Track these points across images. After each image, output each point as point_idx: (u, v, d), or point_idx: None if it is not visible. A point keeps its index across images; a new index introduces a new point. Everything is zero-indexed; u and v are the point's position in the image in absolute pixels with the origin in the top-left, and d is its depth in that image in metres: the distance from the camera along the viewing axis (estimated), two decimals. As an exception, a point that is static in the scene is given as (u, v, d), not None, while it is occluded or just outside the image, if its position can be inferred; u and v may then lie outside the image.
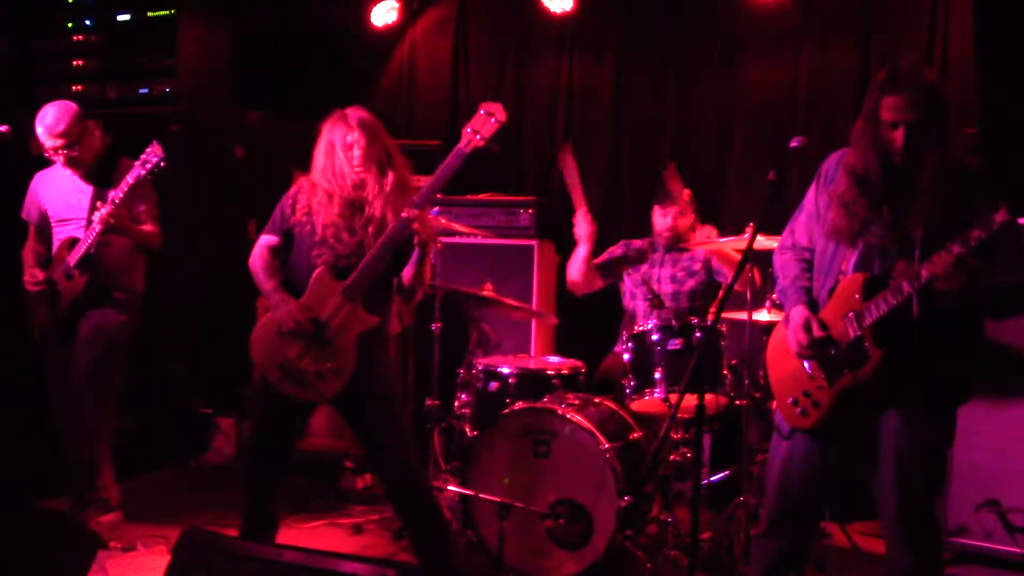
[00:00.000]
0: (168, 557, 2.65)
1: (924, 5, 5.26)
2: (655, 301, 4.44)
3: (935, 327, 2.92)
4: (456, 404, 4.70)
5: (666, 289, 4.78)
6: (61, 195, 4.52)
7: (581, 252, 4.84)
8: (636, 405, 4.29)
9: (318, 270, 3.48)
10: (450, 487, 4.08)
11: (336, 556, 2.51)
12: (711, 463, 4.60)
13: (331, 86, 6.42)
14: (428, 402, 4.78)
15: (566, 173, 4.87)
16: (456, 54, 6.45)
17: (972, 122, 4.69)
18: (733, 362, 4.26)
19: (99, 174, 4.46)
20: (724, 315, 4.27)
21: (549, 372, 4.50)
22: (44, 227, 4.59)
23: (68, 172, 4.50)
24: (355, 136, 3.51)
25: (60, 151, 4.39)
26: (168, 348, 5.89)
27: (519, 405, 4.13)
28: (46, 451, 4.69)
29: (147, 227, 4.49)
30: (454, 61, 6.45)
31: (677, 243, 4.87)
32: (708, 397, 3.90)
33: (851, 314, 2.98)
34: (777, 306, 4.20)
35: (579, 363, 4.64)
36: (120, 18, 6.10)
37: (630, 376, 4.27)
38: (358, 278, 3.44)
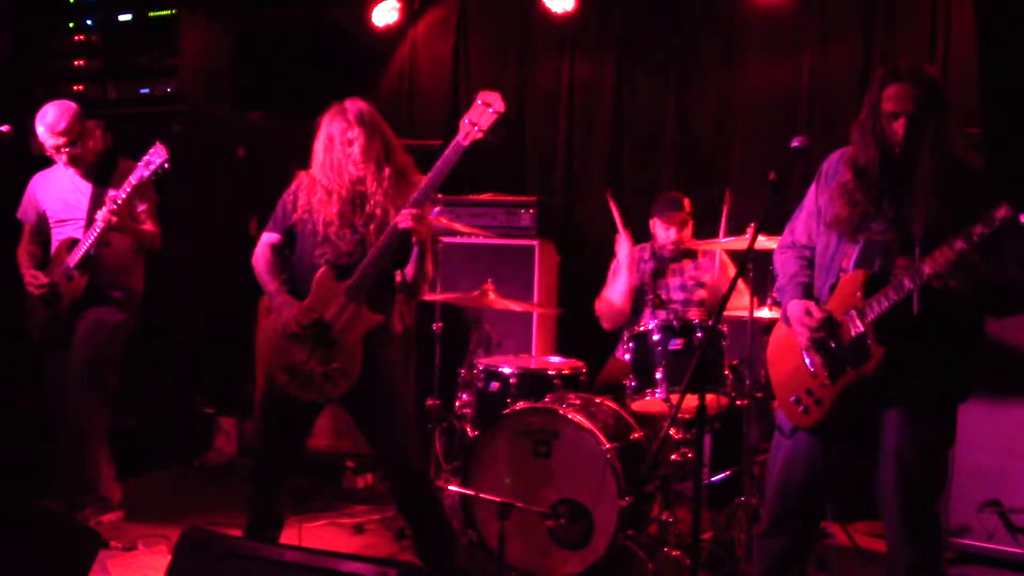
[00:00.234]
0: (169, 557, 2.65)
1: (925, 5, 5.25)
2: (656, 301, 4.44)
3: (936, 325, 2.92)
4: (457, 404, 4.70)
5: (676, 298, 4.78)
6: (60, 195, 4.52)
7: (623, 279, 4.79)
8: (637, 405, 4.29)
9: (321, 270, 3.47)
10: (451, 487, 4.08)
11: (337, 556, 2.51)
12: (712, 463, 4.60)
13: (332, 86, 6.40)
14: (429, 402, 4.78)
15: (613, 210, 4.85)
16: (457, 54, 6.45)
17: (974, 121, 4.69)
18: (734, 362, 4.26)
19: (99, 174, 4.46)
20: (725, 315, 4.26)
21: (550, 372, 4.50)
22: (41, 229, 4.58)
23: (67, 172, 4.50)
24: (354, 132, 3.48)
25: (61, 150, 4.39)
26: (170, 347, 5.89)
27: (520, 405, 4.12)
28: (46, 452, 4.70)
29: (147, 227, 4.50)
30: (455, 61, 6.45)
31: (680, 252, 4.86)
32: (709, 397, 3.90)
33: (853, 311, 2.99)
34: (778, 303, 4.19)
35: (580, 363, 4.64)
36: (121, 18, 6.10)
37: (631, 376, 4.27)
38: (360, 277, 3.43)
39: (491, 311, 4.90)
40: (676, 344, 4.16)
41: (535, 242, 5.58)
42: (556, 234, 5.79)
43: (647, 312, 4.75)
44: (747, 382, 4.17)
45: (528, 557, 3.97)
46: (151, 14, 6.02)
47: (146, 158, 4.15)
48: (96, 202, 4.32)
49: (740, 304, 4.32)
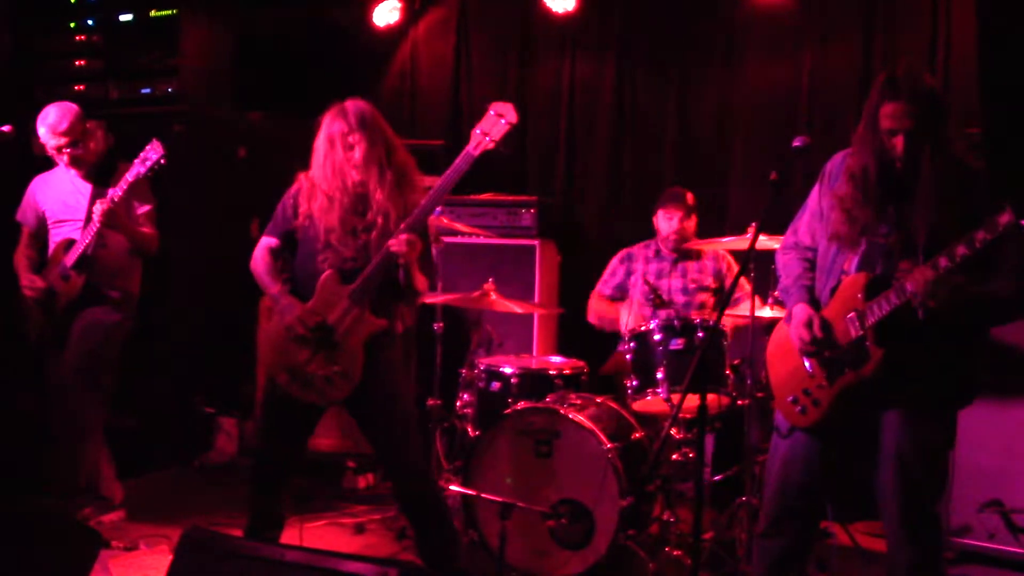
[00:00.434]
0: (170, 556, 2.66)
1: (926, 5, 5.25)
2: (657, 300, 4.43)
3: (937, 328, 2.92)
4: (458, 404, 4.70)
5: (677, 300, 4.77)
6: (59, 196, 4.52)
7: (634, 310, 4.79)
8: (638, 405, 4.29)
9: (325, 273, 3.47)
10: (452, 487, 4.08)
11: (338, 556, 2.52)
12: (713, 463, 4.60)
13: (333, 86, 6.39)
14: (430, 402, 4.78)
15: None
16: (458, 54, 6.45)
17: (974, 121, 4.69)
18: (735, 362, 4.26)
19: (99, 175, 4.45)
20: (726, 315, 4.26)
21: (551, 372, 4.50)
22: (40, 232, 4.57)
23: (68, 174, 4.50)
24: (355, 136, 3.46)
25: (63, 150, 4.39)
26: (171, 347, 5.89)
27: (521, 405, 4.12)
28: (45, 451, 4.69)
29: (146, 229, 4.48)
30: (456, 61, 6.45)
31: (683, 246, 4.85)
32: (710, 397, 3.90)
33: (853, 314, 2.99)
34: (779, 303, 4.19)
35: (581, 363, 4.64)
36: (122, 18, 6.10)
37: (632, 376, 4.27)
38: (363, 283, 3.43)
39: (492, 311, 4.90)
40: (677, 344, 4.16)
41: (536, 242, 5.58)
42: (557, 234, 5.80)
43: (648, 312, 4.75)
44: (748, 382, 4.17)
45: (529, 557, 3.97)
46: (152, 14, 6.02)
47: (142, 155, 4.15)
48: (95, 203, 4.31)
49: (742, 309, 4.31)
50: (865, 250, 3.03)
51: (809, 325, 3.05)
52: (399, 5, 6.38)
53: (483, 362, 4.60)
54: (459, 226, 4.91)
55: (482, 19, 6.42)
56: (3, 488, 4.38)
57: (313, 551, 2.60)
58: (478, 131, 3.48)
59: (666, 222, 4.86)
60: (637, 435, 4.17)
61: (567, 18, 6.02)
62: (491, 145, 3.47)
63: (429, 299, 4.62)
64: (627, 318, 4.68)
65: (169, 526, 4.42)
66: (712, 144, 5.84)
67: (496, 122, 3.47)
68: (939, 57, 5.19)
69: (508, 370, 4.46)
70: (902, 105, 2.90)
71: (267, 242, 3.64)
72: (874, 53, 5.38)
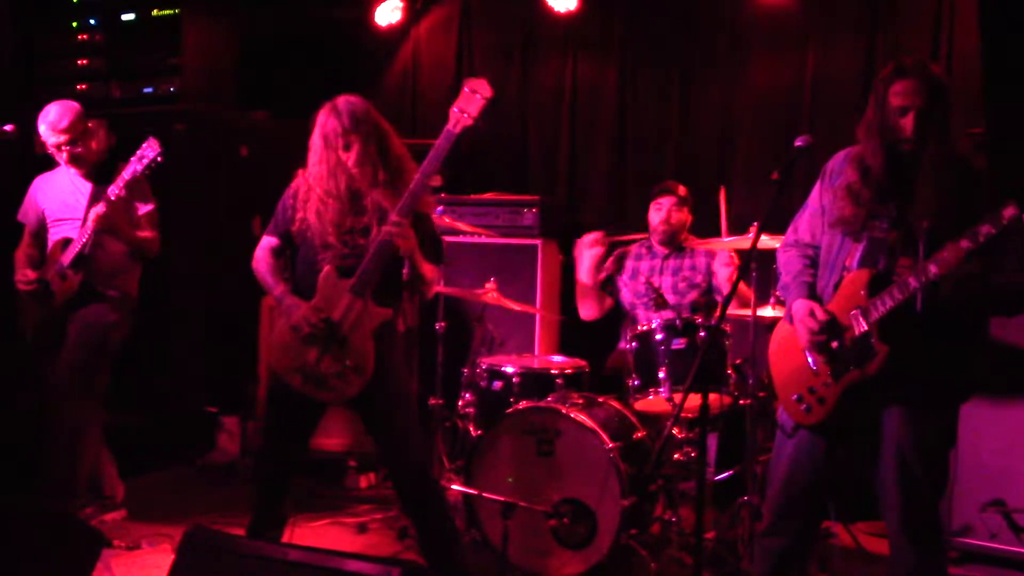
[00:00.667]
0: (173, 556, 2.66)
1: (929, 4, 5.25)
2: (659, 300, 4.43)
3: (939, 325, 2.92)
4: (460, 403, 4.70)
5: (668, 300, 4.76)
6: (59, 195, 4.52)
7: (585, 296, 4.86)
8: (640, 404, 4.29)
9: (325, 270, 3.47)
10: (454, 486, 4.08)
11: (340, 555, 2.52)
12: (715, 462, 4.59)
13: (335, 85, 6.38)
14: (432, 401, 4.78)
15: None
16: (460, 53, 6.45)
17: (977, 120, 4.68)
18: (737, 361, 4.26)
19: (100, 175, 4.45)
20: (728, 314, 4.25)
21: (553, 371, 4.50)
22: (41, 231, 4.57)
23: (68, 173, 4.49)
24: (349, 136, 3.45)
25: (63, 148, 4.39)
26: (173, 346, 5.90)
27: (523, 404, 4.12)
28: (44, 451, 4.69)
29: (145, 233, 4.47)
30: (458, 60, 6.46)
31: (675, 241, 4.84)
32: (712, 396, 3.90)
33: (856, 310, 2.99)
34: (781, 302, 4.19)
35: (583, 362, 4.64)
36: (124, 17, 6.11)
37: (634, 375, 4.26)
38: (362, 275, 3.43)
39: (494, 310, 4.89)
40: (679, 343, 4.16)
41: (538, 241, 5.57)
42: (559, 233, 5.79)
43: (646, 311, 4.75)
44: (750, 381, 4.17)
45: (531, 556, 3.97)
46: (154, 14, 6.03)
47: (139, 152, 4.15)
48: (94, 202, 4.31)
49: (742, 310, 4.31)
50: (866, 246, 3.03)
51: (812, 314, 3.05)
52: (401, 4, 6.39)
53: (485, 361, 4.60)
54: (461, 225, 4.91)
55: (484, 18, 6.43)
56: (3, 488, 4.39)
57: (315, 550, 2.60)
58: (456, 109, 3.50)
59: (656, 213, 4.86)
60: (639, 434, 4.17)
61: (569, 17, 6.02)
62: (469, 121, 3.48)
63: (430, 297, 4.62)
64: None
65: (171, 525, 4.42)
66: (714, 144, 5.84)
67: (472, 98, 3.48)
68: (942, 56, 5.19)
69: (510, 369, 4.46)
70: (913, 82, 2.92)
71: (268, 242, 3.65)
72: (877, 53, 5.37)
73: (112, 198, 4.19)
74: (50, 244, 4.51)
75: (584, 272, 4.88)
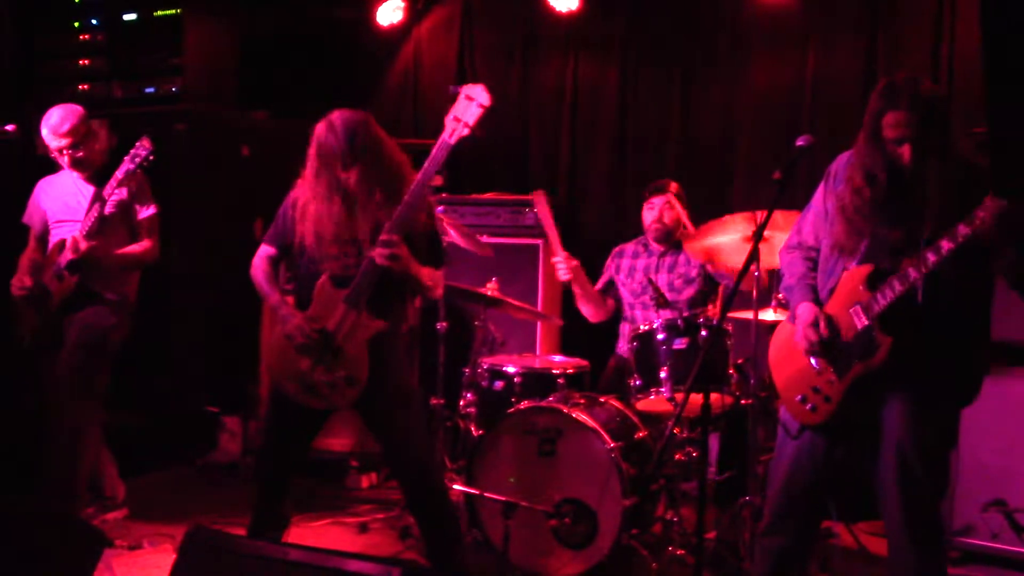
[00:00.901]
0: (174, 556, 2.66)
1: (929, 5, 5.24)
2: (660, 300, 4.43)
3: (940, 318, 2.92)
4: (461, 403, 4.69)
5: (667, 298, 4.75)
6: (61, 197, 4.51)
7: (577, 292, 4.80)
8: (641, 404, 4.29)
9: (321, 280, 3.47)
10: (455, 486, 4.08)
11: (341, 555, 2.51)
12: (717, 462, 4.59)
13: (337, 85, 6.43)
14: (433, 401, 4.78)
15: (540, 216, 4.70)
16: (461, 53, 6.46)
17: (979, 120, 4.68)
18: (739, 361, 4.26)
19: (102, 177, 4.45)
20: (730, 314, 4.26)
21: (554, 371, 4.50)
22: (45, 234, 4.56)
23: (71, 176, 4.49)
24: (344, 157, 3.39)
25: (65, 151, 4.39)
26: (174, 346, 5.90)
27: (524, 404, 4.13)
28: (44, 452, 4.69)
29: (134, 248, 4.45)
30: (459, 60, 6.46)
31: (671, 239, 4.83)
32: (714, 396, 3.90)
33: (857, 306, 2.99)
34: (783, 305, 4.19)
35: (584, 362, 4.64)
36: (126, 17, 6.11)
37: (635, 375, 4.26)
38: (356, 288, 3.41)
39: (495, 310, 4.89)
40: (680, 343, 4.16)
41: (539, 241, 5.57)
42: (560, 233, 5.78)
43: (644, 310, 4.74)
44: (752, 381, 4.16)
45: (532, 556, 3.97)
46: (156, 14, 6.02)
47: (132, 152, 4.16)
48: (95, 204, 4.31)
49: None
50: (868, 246, 3.03)
51: (815, 325, 3.05)
52: (402, 4, 6.39)
53: (486, 361, 4.60)
54: (455, 235, 4.85)
55: (486, 18, 6.43)
56: (3, 488, 4.39)
57: (317, 550, 2.60)
58: (451, 117, 3.42)
59: (648, 212, 4.85)
60: (640, 434, 4.17)
61: (570, 17, 6.03)
62: (466, 131, 3.42)
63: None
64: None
65: (173, 525, 4.43)
66: (716, 144, 5.84)
67: (469, 106, 3.41)
68: (943, 56, 5.18)
69: (511, 369, 4.46)
70: (904, 114, 2.91)
71: (266, 251, 3.65)
72: (878, 52, 5.37)
73: (106, 198, 4.19)
74: (50, 245, 4.51)
75: (563, 275, 4.83)
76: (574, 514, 3.89)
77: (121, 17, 6.12)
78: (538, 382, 4.43)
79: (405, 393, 3.60)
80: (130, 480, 4.81)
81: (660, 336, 4.19)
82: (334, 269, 3.47)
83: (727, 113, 5.82)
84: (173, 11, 5.98)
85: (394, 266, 3.35)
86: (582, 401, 4.16)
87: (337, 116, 3.45)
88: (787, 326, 3.26)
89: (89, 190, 4.45)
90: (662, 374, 4.15)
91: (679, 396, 4.06)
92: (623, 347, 4.76)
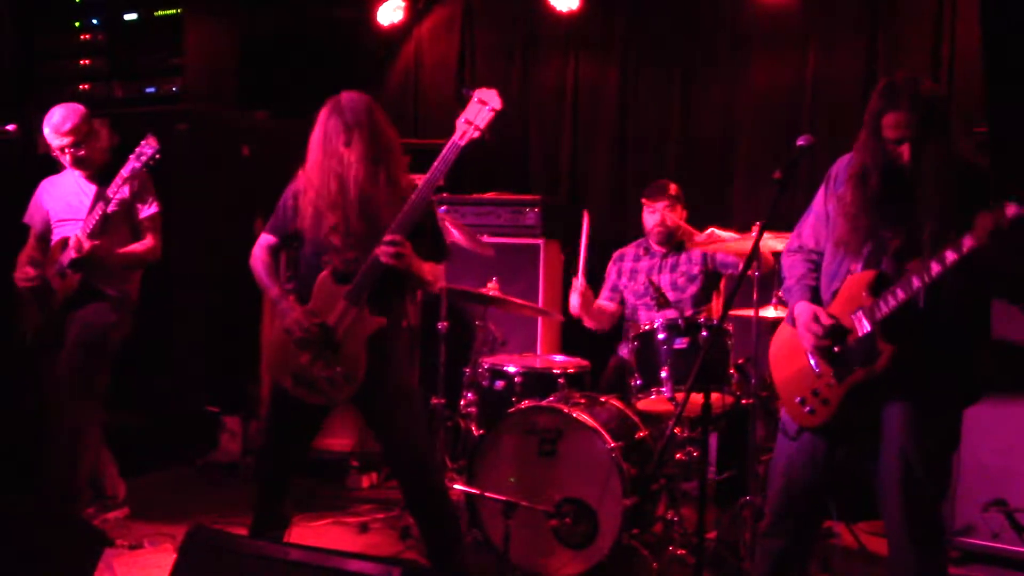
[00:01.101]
0: (175, 555, 2.66)
1: (930, 5, 5.25)
2: (661, 301, 4.43)
3: (942, 324, 2.92)
4: (462, 403, 4.70)
5: (669, 297, 4.75)
6: (63, 196, 4.52)
7: (582, 315, 4.80)
8: (642, 404, 4.29)
9: (322, 274, 3.46)
10: (456, 486, 4.08)
11: (342, 555, 2.52)
12: (717, 462, 4.59)
13: (338, 85, 6.39)
14: (434, 401, 4.78)
15: (583, 234, 4.73)
16: (462, 53, 6.46)
17: (980, 120, 4.68)
18: (740, 361, 4.26)
19: (104, 176, 4.46)
20: (730, 314, 4.26)
21: (555, 371, 4.50)
22: (46, 234, 4.57)
23: (73, 175, 4.50)
24: (350, 135, 3.41)
25: (67, 150, 4.39)
26: (175, 346, 5.90)
27: (525, 404, 4.13)
28: (45, 451, 4.69)
29: (136, 247, 4.45)
30: (460, 60, 6.47)
31: (672, 241, 4.83)
32: (714, 396, 3.90)
33: (860, 311, 2.98)
34: (783, 303, 4.19)
35: (585, 362, 4.64)
36: (127, 17, 6.11)
37: (636, 375, 4.26)
38: (358, 285, 3.41)
39: (496, 310, 4.89)
40: (681, 343, 4.16)
41: (540, 241, 5.58)
42: (561, 233, 5.79)
43: (647, 311, 4.74)
44: (752, 381, 4.17)
45: (532, 556, 3.97)
46: (156, 13, 6.03)
47: (137, 150, 4.16)
48: (98, 203, 4.31)
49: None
50: (871, 249, 3.03)
51: (816, 319, 3.05)
52: (403, 4, 6.40)
53: (487, 361, 4.60)
54: (457, 235, 4.85)
55: (486, 18, 6.44)
56: (3, 488, 4.39)
57: (317, 550, 2.60)
58: (463, 120, 3.42)
59: (649, 215, 4.86)
60: (641, 434, 4.17)
61: (571, 17, 6.03)
62: (477, 134, 3.41)
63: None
64: (575, 301, 4.72)
65: (173, 525, 4.43)
66: (716, 143, 5.84)
67: (481, 109, 3.40)
68: (944, 56, 5.19)
69: (512, 369, 4.46)
70: (904, 115, 2.91)
71: (266, 240, 3.63)
72: (878, 52, 5.38)
73: (110, 197, 4.19)
74: (52, 244, 4.51)
75: (574, 307, 4.83)
76: (574, 514, 3.89)
77: (121, 17, 6.12)
78: (539, 382, 4.43)
79: (406, 392, 3.60)
80: (130, 480, 4.81)
81: (661, 336, 4.19)
82: (336, 264, 3.46)
83: (727, 113, 5.82)
84: (173, 11, 5.99)
85: (398, 264, 3.36)
86: (583, 401, 4.16)
87: (343, 94, 3.50)
88: (787, 327, 3.26)
89: (91, 189, 4.45)
90: (663, 374, 4.15)
91: (680, 396, 4.06)
92: (624, 347, 4.76)
